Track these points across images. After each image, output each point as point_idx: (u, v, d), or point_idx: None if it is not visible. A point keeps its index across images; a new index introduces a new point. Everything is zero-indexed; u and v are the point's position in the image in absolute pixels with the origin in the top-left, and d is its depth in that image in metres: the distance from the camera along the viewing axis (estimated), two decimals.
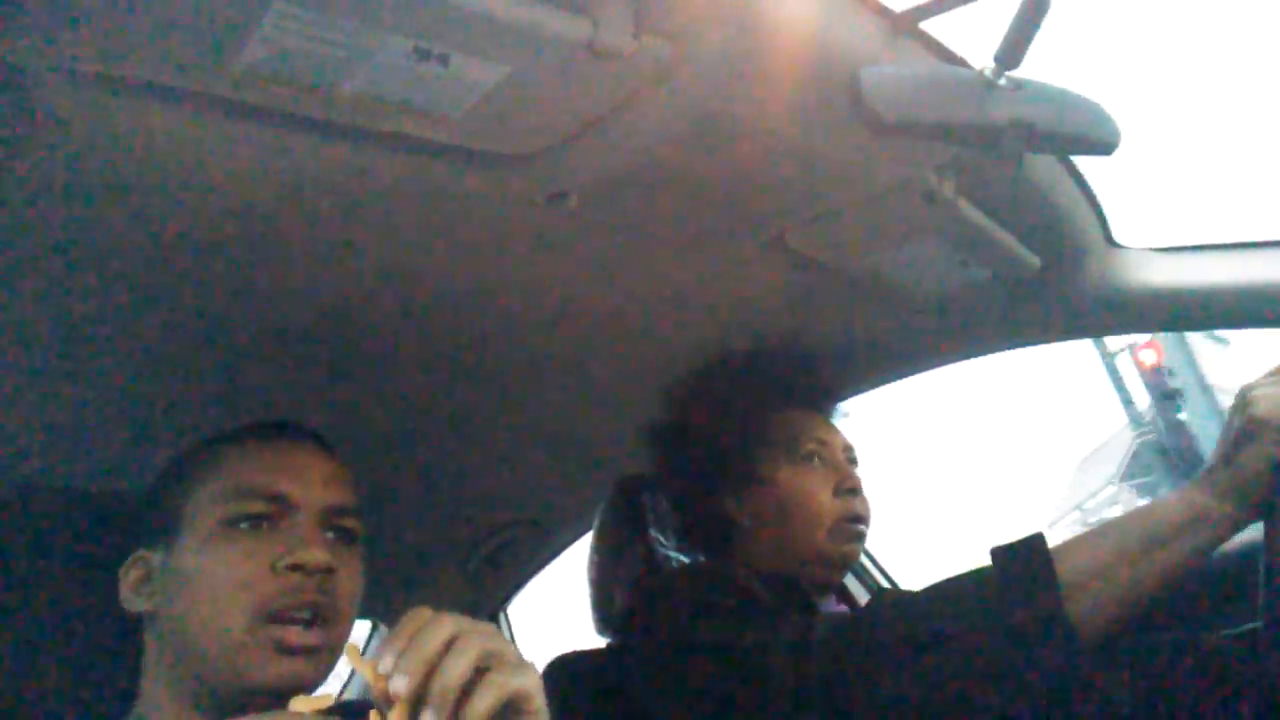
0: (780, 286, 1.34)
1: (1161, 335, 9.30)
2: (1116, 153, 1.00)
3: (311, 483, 0.97)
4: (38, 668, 1.02)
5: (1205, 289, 1.37)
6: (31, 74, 0.74)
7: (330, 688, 0.96)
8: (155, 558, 0.95)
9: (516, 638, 2.38)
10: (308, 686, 0.89)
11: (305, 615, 0.89)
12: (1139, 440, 11.85)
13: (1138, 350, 11.43)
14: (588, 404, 1.61)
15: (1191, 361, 9.33)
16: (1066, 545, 1.05)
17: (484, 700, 0.68)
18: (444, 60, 0.79)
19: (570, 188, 1.02)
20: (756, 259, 1.25)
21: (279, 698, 0.82)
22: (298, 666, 0.88)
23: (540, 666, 1.61)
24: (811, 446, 1.37)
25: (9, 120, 0.78)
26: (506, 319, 1.31)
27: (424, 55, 0.78)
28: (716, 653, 1.16)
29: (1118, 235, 1.41)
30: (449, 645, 0.69)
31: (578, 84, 0.85)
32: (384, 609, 2.16)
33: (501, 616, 2.34)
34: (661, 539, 1.58)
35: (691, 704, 1.18)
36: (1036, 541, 1.05)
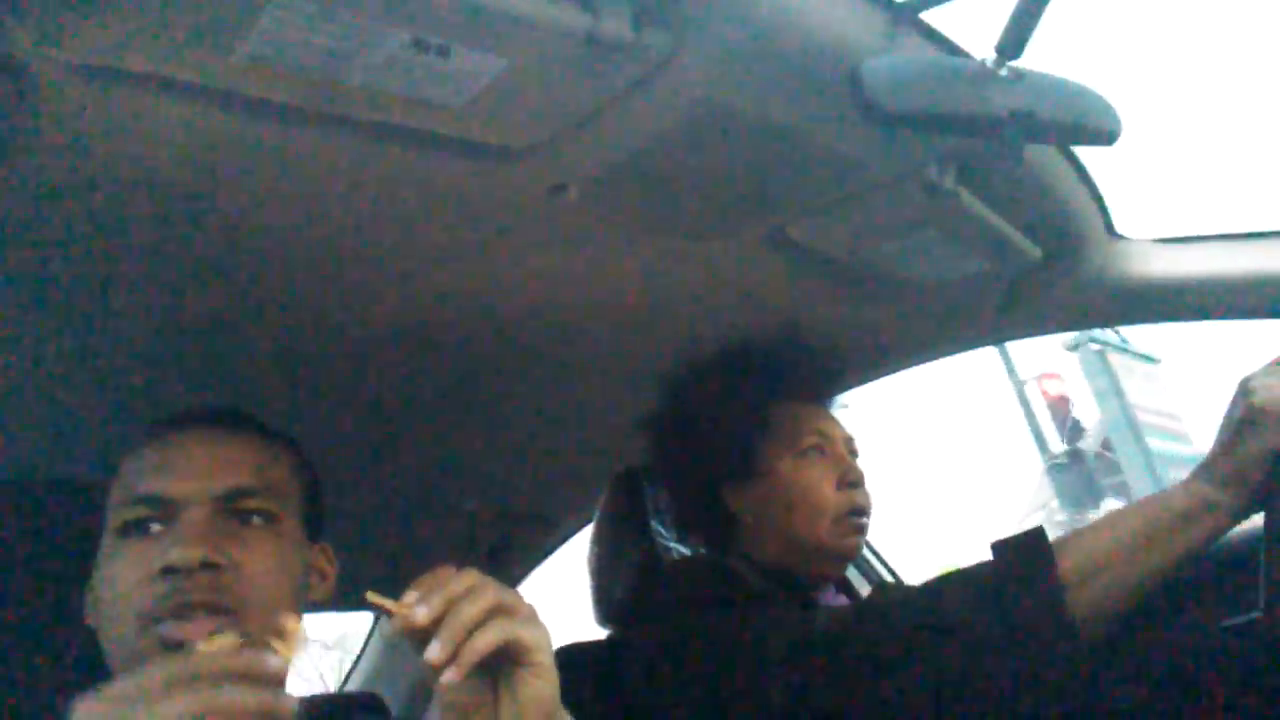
0: (782, 278, 1.34)
1: (1078, 357, 9.28)
2: (1118, 143, 1.00)
3: (196, 474, 0.93)
4: (23, 666, 1.02)
5: (1207, 280, 1.37)
6: (32, 66, 0.74)
7: (329, 685, 0.95)
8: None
9: None
10: None
11: (188, 613, 0.87)
12: (1050, 467, 11.97)
13: (1042, 379, 11.67)
14: (589, 396, 1.61)
15: (1114, 381, 9.18)
16: (1067, 540, 1.05)
17: (485, 637, 0.71)
18: (444, 52, 0.79)
19: (570, 179, 1.02)
20: (757, 251, 1.25)
21: None
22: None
23: None
24: (813, 439, 1.37)
25: (9, 112, 0.77)
26: (507, 310, 1.31)
27: (424, 47, 0.78)
28: (715, 647, 1.16)
29: (1119, 226, 1.41)
30: (469, 590, 0.72)
31: (577, 76, 0.85)
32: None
33: None
34: (662, 531, 1.58)
35: (690, 698, 1.18)
36: (1037, 537, 1.05)
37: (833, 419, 1.43)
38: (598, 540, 1.64)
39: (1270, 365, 1.03)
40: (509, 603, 0.73)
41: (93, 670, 0.94)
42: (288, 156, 0.91)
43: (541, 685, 0.74)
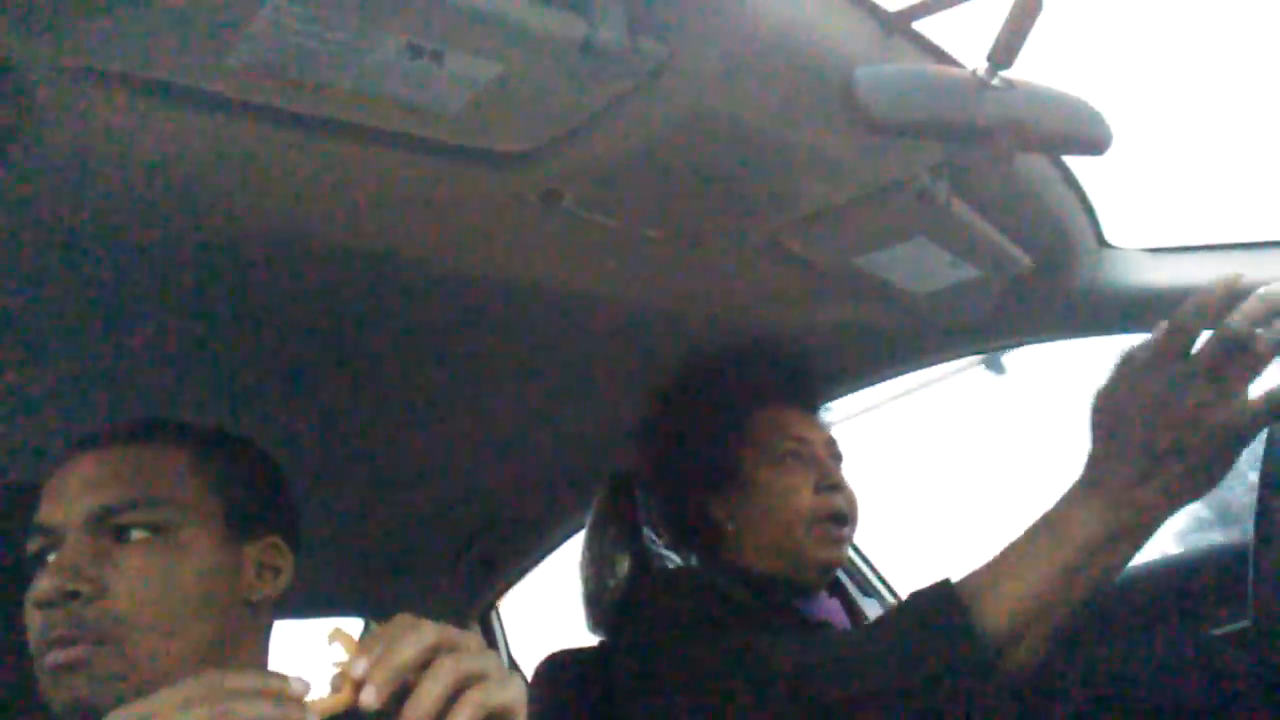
0: (773, 285, 1.34)
1: None
2: (1109, 153, 1.00)
3: (69, 497, 0.92)
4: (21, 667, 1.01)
5: (1197, 290, 1.38)
6: (25, 69, 0.74)
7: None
8: None
9: (508, 636, 2.38)
10: (90, 701, 0.85)
11: (59, 645, 0.87)
12: None
13: None
14: (581, 401, 1.61)
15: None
16: (982, 593, 0.98)
17: (459, 718, 0.65)
18: (438, 57, 0.79)
19: (564, 186, 1.02)
20: (750, 257, 1.25)
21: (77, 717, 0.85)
22: (73, 683, 0.86)
23: (532, 664, 1.62)
24: (790, 444, 1.36)
25: (2, 115, 0.77)
26: (500, 316, 1.31)
27: (418, 52, 0.78)
28: (687, 669, 1.16)
29: (1110, 236, 1.42)
30: (427, 660, 0.66)
31: (572, 82, 0.85)
32: (374, 606, 2.16)
33: (493, 614, 2.34)
34: (654, 537, 1.58)
35: (670, 714, 1.18)
36: (948, 597, 0.99)
37: (813, 423, 1.43)
38: (589, 546, 1.64)
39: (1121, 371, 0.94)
40: (476, 670, 0.67)
41: None
42: (281, 161, 0.91)
43: None
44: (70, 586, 0.87)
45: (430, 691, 0.64)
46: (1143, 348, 0.93)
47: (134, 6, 0.70)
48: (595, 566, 1.61)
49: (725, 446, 1.38)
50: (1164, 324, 0.91)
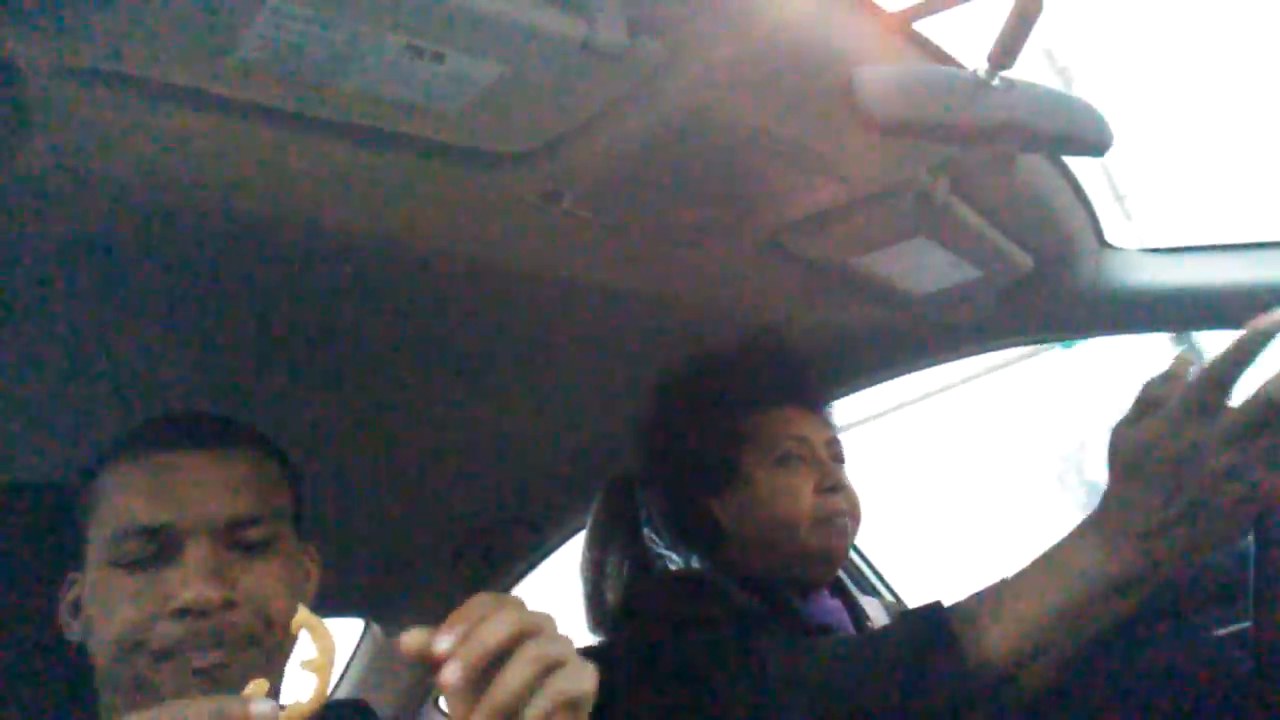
0: (774, 285, 1.34)
1: None
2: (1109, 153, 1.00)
3: (198, 500, 0.90)
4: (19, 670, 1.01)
5: (1197, 290, 1.38)
6: (26, 69, 0.74)
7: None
8: (80, 583, 0.93)
9: None
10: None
11: (208, 648, 0.86)
12: None
13: None
14: (582, 402, 1.61)
15: None
16: (985, 624, 0.96)
17: (539, 705, 0.66)
18: (439, 58, 0.79)
19: (565, 186, 1.02)
20: (750, 258, 1.25)
21: None
22: (217, 687, 0.85)
23: None
24: (789, 445, 1.36)
25: (3, 115, 0.77)
26: (500, 317, 1.31)
27: (419, 53, 0.78)
28: (686, 672, 1.16)
29: (1110, 236, 1.42)
30: (513, 643, 0.66)
31: (572, 82, 0.85)
32: (376, 607, 2.16)
33: None
34: (655, 538, 1.58)
35: (670, 715, 1.18)
36: (939, 622, 0.98)
37: (813, 423, 1.43)
38: (590, 546, 1.64)
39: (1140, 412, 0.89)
40: (558, 656, 0.68)
41: (87, 676, 0.94)
42: (282, 161, 0.91)
43: None
44: (228, 595, 0.87)
45: (518, 676, 0.65)
46: (1168, 385, 0.87)
47: (135, 7, 0.70)
48: (595, 567, 1.61)
49: (726, 447, 1.37)
50: (1195, 367, 0.86)
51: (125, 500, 0.90)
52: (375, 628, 2.22)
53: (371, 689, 2.21)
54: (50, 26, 0.70)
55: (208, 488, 0.91)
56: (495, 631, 0.65)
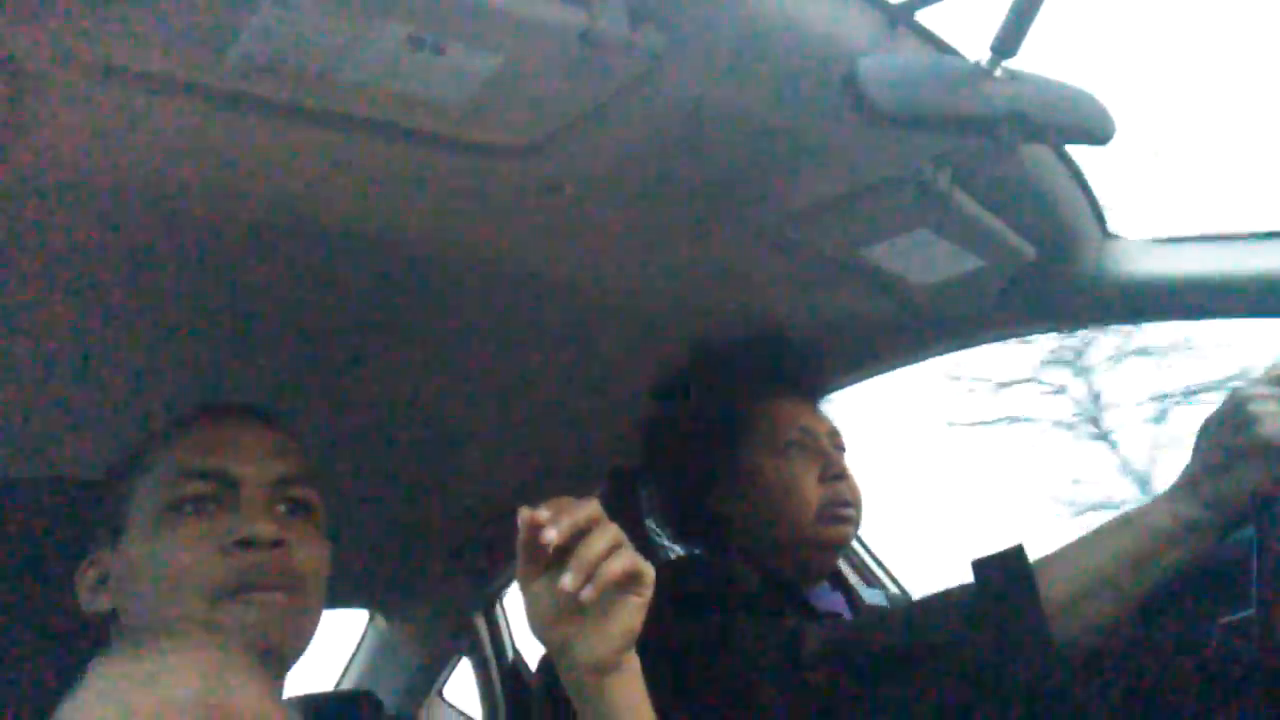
0: (776, 276, 1.34)
1: None
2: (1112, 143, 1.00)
3: (255, 457, 0.96)
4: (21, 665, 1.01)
5: (1201, 280, 1.37)
6: (28, 64, 0.74)
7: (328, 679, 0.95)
8: (108, 556, 0.95)
9: (512, 628, 2.38)
10: (276, 640, 0.90)
11: (265, 586, 0.90)
12: None
13: None
14: (584, 394, 1.61)
15: None
16: (1051, 562, 1.03)
17: (618, 562, 0.79)
18: (439, 49, 0.79)
19: (566, 177, 1.02)
20: (752, 248, 1.25)
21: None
22: (268, 622, 0.90)
23: (537, 657, 1.62)
24: (794, 435, 1.36)
25: (5, 110, 0.77)
26: (502, 309, 1.31)
27: (419, 44, 0.78)
28: (708, 655, 1.16)
29: (1114, 225, 1.41)
30: (593, 522, 0.81)
31: (573, 74, 0.85)
32: (380, 598, 2.17)
33: (498, 606, 2.34)
34: (658, 530, 1.58)
35: (682, 703, 1.18)
36: (1017, 560, 1.03)
37: (816, 413, 1.43)
38: None
39: (1267, 384, 0.99)
40: (624, 539, 0.82)
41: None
42: (283, 154, 0.91)
43: (638, 618, 0.81)
44: (284, 535, 0.93)
45: (600, 541, 0.79)
46: (1262, 391, 0.97)
47: (136, 2, 0.70)
48: None
49: (728, 438, 1.38)
50: None
51: (187, 451, 0.96)
52: (379, 619, 2.23)
53: (377, 679, 2.22)
54: (50, 21, 0.70)
55: (260, 446, 0.98)
56: (580, 511, 0.80)
